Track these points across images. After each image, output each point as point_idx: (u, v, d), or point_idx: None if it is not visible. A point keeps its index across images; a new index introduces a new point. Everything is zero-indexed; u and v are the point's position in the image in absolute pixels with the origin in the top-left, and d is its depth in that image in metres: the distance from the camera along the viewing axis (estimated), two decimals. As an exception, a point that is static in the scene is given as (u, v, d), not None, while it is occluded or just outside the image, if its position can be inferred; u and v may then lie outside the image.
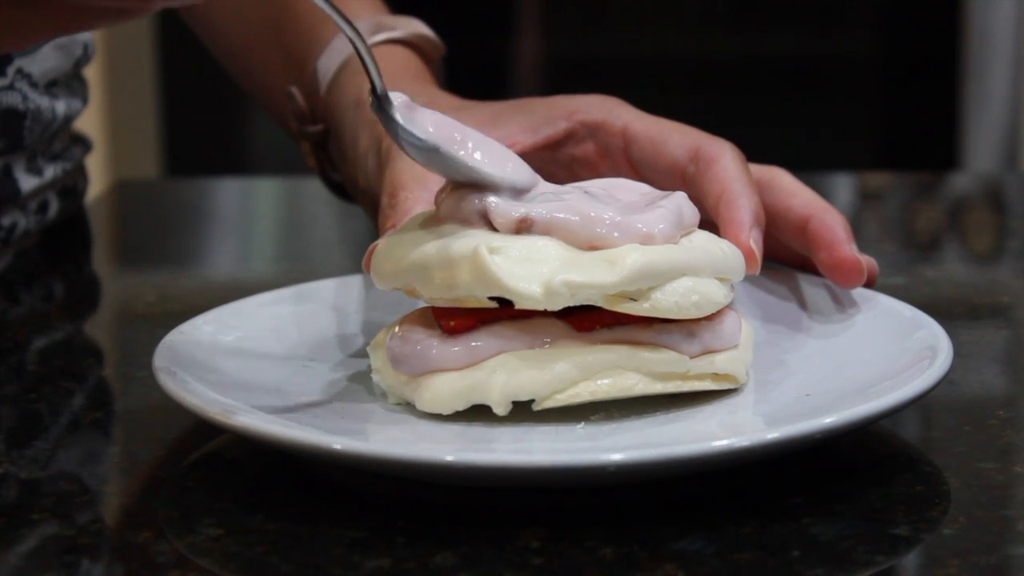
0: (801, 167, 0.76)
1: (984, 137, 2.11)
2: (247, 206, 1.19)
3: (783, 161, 0.72)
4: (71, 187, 0.93)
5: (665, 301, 0.57)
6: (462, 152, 0.58)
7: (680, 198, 0.60)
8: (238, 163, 2.29)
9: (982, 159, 2.12)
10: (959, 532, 0.51)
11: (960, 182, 1.29)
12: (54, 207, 0.91)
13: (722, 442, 0.51)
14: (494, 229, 0.58)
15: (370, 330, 0.65)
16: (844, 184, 1.16)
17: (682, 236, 0.59)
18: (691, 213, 0.60)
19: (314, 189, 0.94)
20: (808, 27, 2.25)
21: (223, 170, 2.11)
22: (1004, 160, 2.10)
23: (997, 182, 1.28)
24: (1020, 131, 2.09)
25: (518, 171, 0.59)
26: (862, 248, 0.66)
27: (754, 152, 0.71)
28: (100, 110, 2.09)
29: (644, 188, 0.62)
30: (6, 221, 0.86)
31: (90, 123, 0.97)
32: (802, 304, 0.67)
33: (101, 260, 0.98)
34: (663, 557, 0.49)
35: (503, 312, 0.57)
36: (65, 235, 0.94)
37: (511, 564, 0.49)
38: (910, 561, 0.50)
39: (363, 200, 0.79)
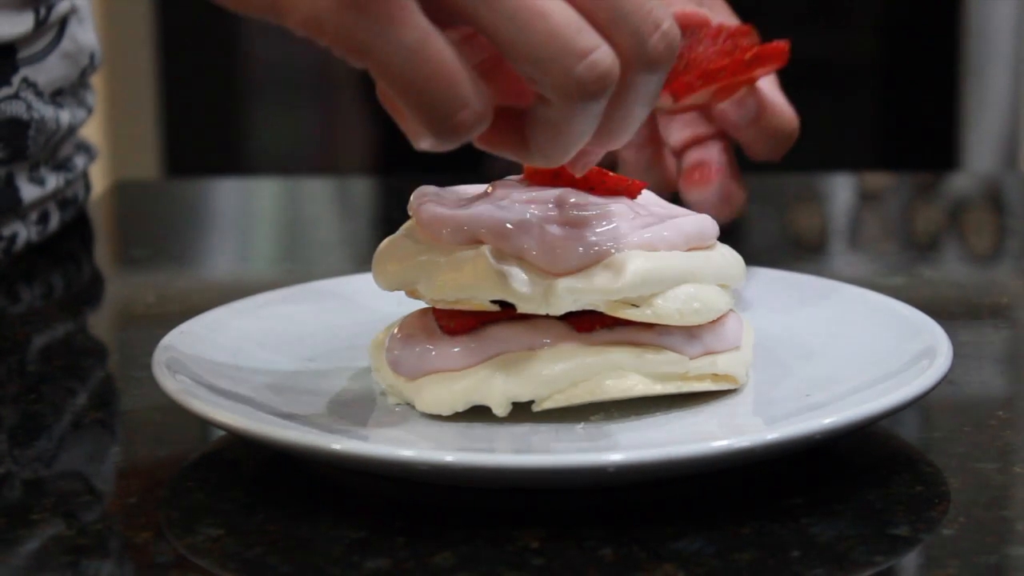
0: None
1: (984, 137, 2.11)
2: (247, 206, 1.19)
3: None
4: (71, 198, 0.93)
5: (667, 308, 0.57)
6: None
7: (695, 217, 0.60)
8: (238, 163, 2.29)
9: (982, 159, 2.12)
10: (959, 532, 0.51)
11: (960, 182, 1.29)
12: (55, 218, 0.91)
13: (722, 442, 0.51)
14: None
15: (370, 330, 0.65)
16: (844, 184, 1.16)
17: (689, 249, 0.59)
18: (701, 233, 0.60)
19: (314, 189, 0.94)
20: (808, 27, 2.25)
21: (223, 170, 2.11)
22: (1004, 160, 2.10)
23: (997, 182, 1.27)
24: (1020, 131, 2.09)
25: None
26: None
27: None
28: (100, 112, 2.09)
29: (662, 203, 0.62)
30: (6, 232, 0.86)
31: (90, 125, 0.96)
32: (803, 304, 0.67)
33: (101, 260, 0.98)
34: (663, 557, 0.49)
35: (503, 313, 0.57)
36: (66, 235, 0.94)
37: (511, 564, 0.49)
38: (910, 561, 0.50)
39: None
